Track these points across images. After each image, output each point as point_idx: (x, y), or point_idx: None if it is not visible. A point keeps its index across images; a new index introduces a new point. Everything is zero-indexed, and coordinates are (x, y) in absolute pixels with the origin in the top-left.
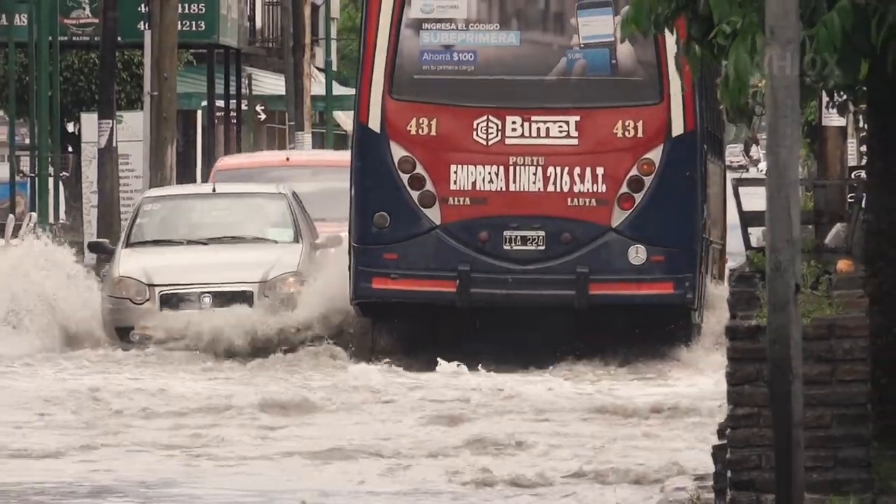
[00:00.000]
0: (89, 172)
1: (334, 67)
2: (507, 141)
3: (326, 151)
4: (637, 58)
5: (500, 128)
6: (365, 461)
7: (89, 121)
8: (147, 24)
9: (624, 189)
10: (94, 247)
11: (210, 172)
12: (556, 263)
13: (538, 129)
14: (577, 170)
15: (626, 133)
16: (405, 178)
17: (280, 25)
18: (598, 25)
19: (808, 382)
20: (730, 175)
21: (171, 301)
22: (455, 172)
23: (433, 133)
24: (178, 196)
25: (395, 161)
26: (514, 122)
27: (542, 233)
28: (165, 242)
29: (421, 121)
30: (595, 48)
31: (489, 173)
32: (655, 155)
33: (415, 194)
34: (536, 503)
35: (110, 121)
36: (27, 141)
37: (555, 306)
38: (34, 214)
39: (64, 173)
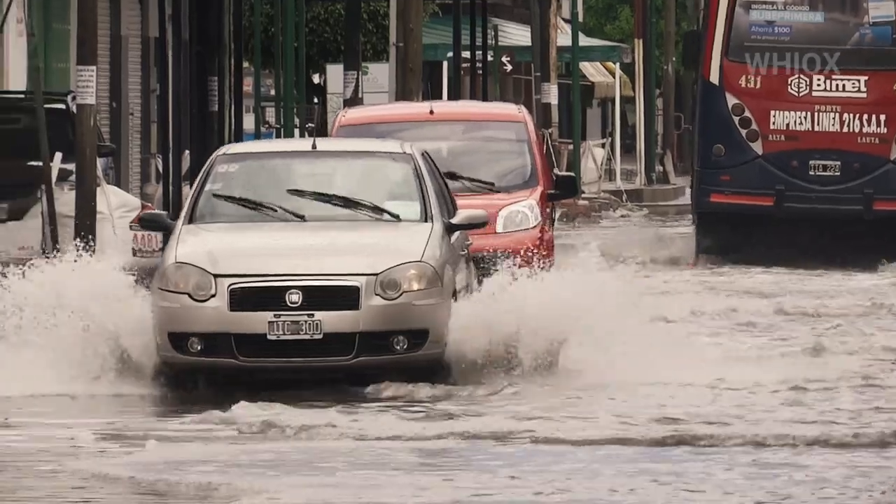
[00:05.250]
0: None
1: (580, 18)
2: (814, 94)
3: (477, 103)
4: None
5: (808, 84)
6: None
7: (335, 72)
8: None
9: None
10: (146, 221)
11: (332, 127)
12: (848, 185)
13: (836, 85)
14: (864, 116)
15: None
16: (736, 119)
17: None
18: (883, 8)
19: None
20: None
21: (245, 299)
22: (774, 116)
23: (758, 86)
24: (265, 154)
25: (730, 106)
26: (818, 80)
27: (838, 162)
28: (242, 216)
29: (749, 77)
30: (880, 25)
31: (799, 117)
32: None
33: (743, 132)
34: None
35: (356, 72)
36: (272, 92)
37: (847, 218)
38: None
39: (309, 124)
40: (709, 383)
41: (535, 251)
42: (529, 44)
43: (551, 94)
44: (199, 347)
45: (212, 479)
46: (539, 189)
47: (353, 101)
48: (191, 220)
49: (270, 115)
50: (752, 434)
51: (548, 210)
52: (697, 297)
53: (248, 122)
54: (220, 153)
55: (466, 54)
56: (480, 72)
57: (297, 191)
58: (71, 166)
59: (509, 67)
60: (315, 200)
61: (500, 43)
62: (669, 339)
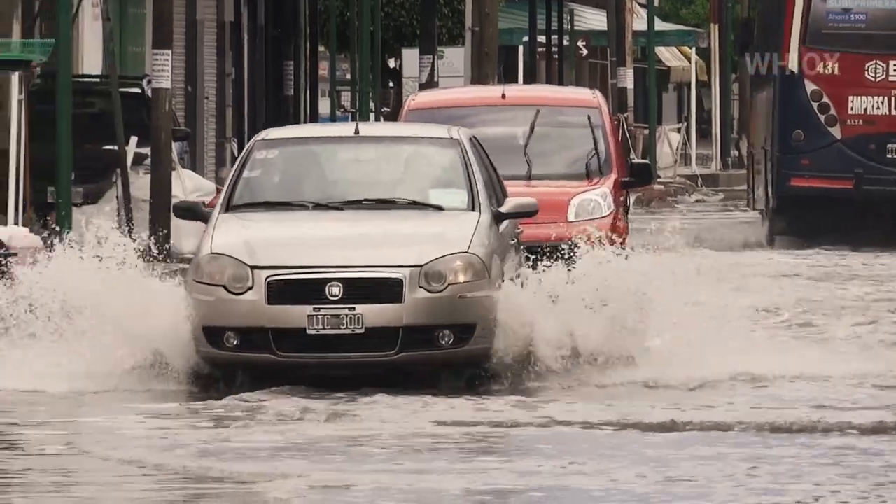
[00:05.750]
0: None
1: (656, 2)
2: (890, 78)
3: (551, 87)
4: None
5: (885, 69)
6: None
7: (410, 56)
8: None
9: None
10: (181, 210)
11: (402, 110)
12: None
13: None
14: None
15: None
16: (815, 105)
17: None
18: None
19: None
20: None
21: (284, 291)
22: (851, 101)
23: (836, 72)
24: (305, 140)
25: (808, 93)
26: (895, 65)
27: None
28: (282, 206)
29: (827, 63)
30: None
31: (877, 102)
32: None
33: (822, 117)
34: None
35: (431, 56)
36: (348, 76)
37: None
38: None
39: (385, 108)
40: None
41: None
42: (605, 28)
43: (627, 78)
44: (235, 342)
45: (246, 464)
46: (613, 176)
47: (429, 85)
48: (227, 208)
49: (346, 99)
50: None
51: (621, 198)
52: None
53: (324, 106)
54: (258, 138)
55: (542, 39)
56: (556, 56)
57: (337, 180)
58: (146, 150)
59: (585, 52)
60: (356, 189)
61: (575, 27)
62: (747, 327)
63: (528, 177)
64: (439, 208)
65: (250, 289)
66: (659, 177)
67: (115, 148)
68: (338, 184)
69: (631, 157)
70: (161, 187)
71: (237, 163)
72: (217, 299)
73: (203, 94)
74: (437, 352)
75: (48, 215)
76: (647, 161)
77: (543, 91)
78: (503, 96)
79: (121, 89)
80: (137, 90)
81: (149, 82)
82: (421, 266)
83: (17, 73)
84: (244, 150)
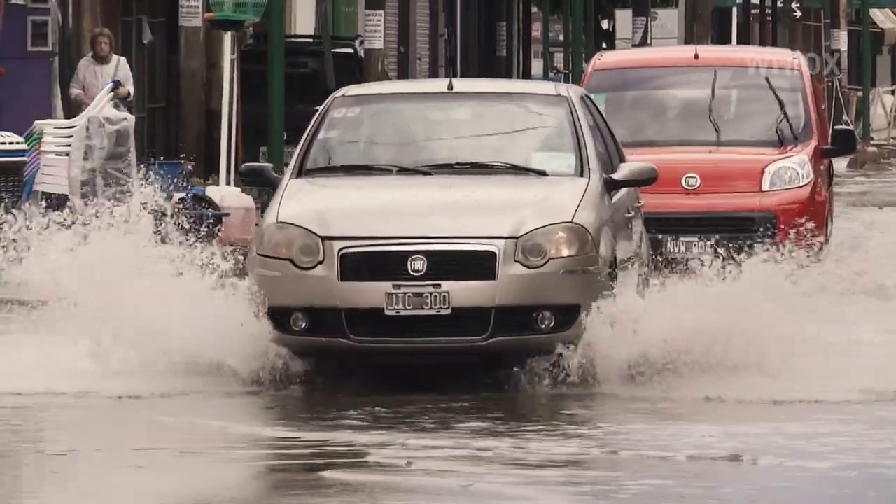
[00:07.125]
0: None
1: None
2: None
3: (749, 47)
4: None
5: None
6: None
7: (623, 17)
8: None
9: None
10: (247, 174)
11: (587, 71)
12: None
13: None
14: None
15: None
16: None
17: None
18: None
19: None
20: None
21: (359, 266)
22: None
23: None
24: (391, 97)
25: None
26: None
27: None
28: (361, 170)
29: None
30: None
31: None
32: None
33: None
34: None
35: (644, 17)
36: (561, 37)
37: None
38: None
39: None
40: None
41: (805, 212)
42: None
43: (840, 40)
44: (303, 325)
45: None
46: (812, 144)
47: (642, 46)
48: (300, 173)
49: (559, 60)
50: None
51: (822, 167)
52: None
53: (537, 67)
54: (337, 95)
55: (756, 0)
56: (769, 18)
57: (428, 142)
58: None
59: (798, 14)
60: (447, 152)
61: None
62: None
63: (719, 142)
64: (542, 173)
65: (321, 263)
66: (872, 139)
67: None
68: (426, 146)
69: (844, 118)
70: None
71: (312, 122)
72: (283, 275)
73: (416, 55)
74: (534, 336)
75: None
76: (850, 128)
77: (740, 52)
78: (696, 56)
79: (333, 50)
80: (350, 51)
81: (361, 43)
82: (517, 237)
83: (229, 34)
84: (321, 108)
